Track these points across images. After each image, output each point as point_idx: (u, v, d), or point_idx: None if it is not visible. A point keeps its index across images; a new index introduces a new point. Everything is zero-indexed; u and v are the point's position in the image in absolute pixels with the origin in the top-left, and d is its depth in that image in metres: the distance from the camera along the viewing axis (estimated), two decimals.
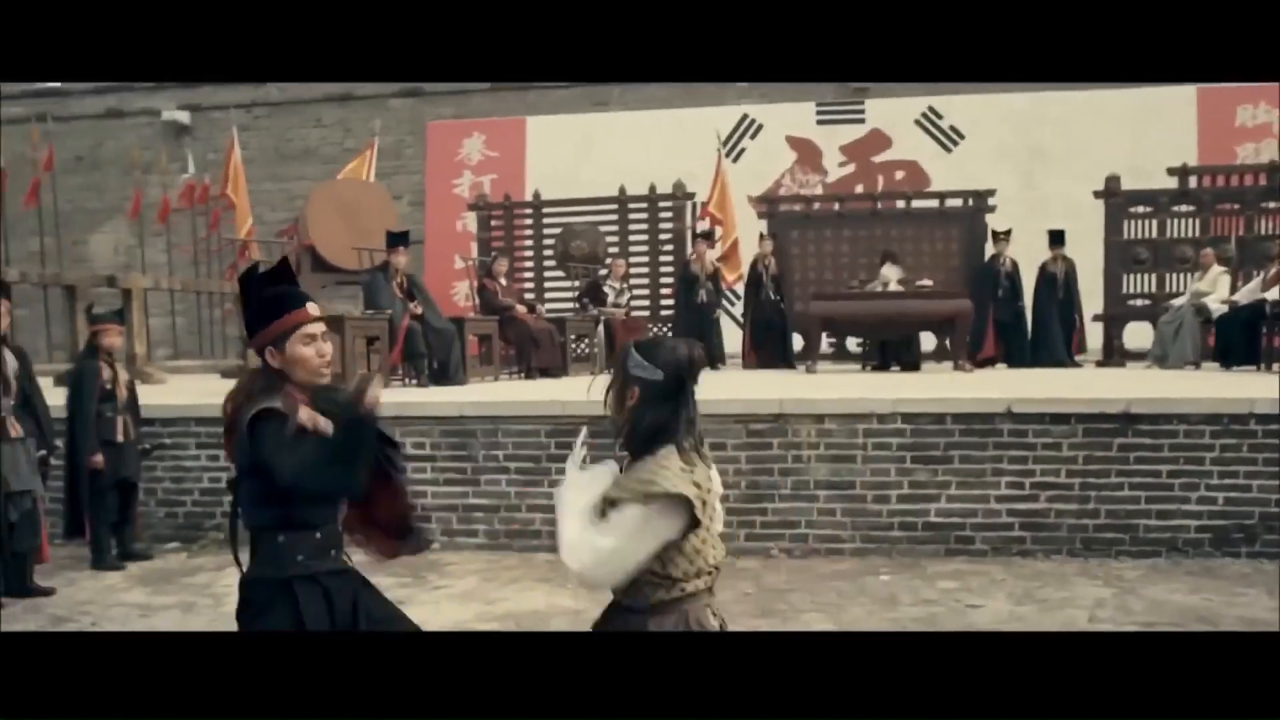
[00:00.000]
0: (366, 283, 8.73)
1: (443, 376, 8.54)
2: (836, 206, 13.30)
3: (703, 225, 13.73)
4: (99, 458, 5.80)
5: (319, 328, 2.46)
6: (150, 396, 7.23)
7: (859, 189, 15.86)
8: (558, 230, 12.95)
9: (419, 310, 8.55)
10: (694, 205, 13.74)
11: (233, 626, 2.52)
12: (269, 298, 2.47)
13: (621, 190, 13.04)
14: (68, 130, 16.63)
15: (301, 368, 2.44)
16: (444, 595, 5.41)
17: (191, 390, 8.57)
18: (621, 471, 2.19)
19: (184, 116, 17.47)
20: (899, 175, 16.42)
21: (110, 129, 17.81)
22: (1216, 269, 10.83)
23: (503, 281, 10.12)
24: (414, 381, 8.55)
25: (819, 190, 16.17)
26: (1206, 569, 5.58)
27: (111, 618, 5.05)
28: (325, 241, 10.55)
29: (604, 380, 2.26)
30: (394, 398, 7.30)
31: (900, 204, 13.26)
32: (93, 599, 5.39)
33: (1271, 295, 9.70)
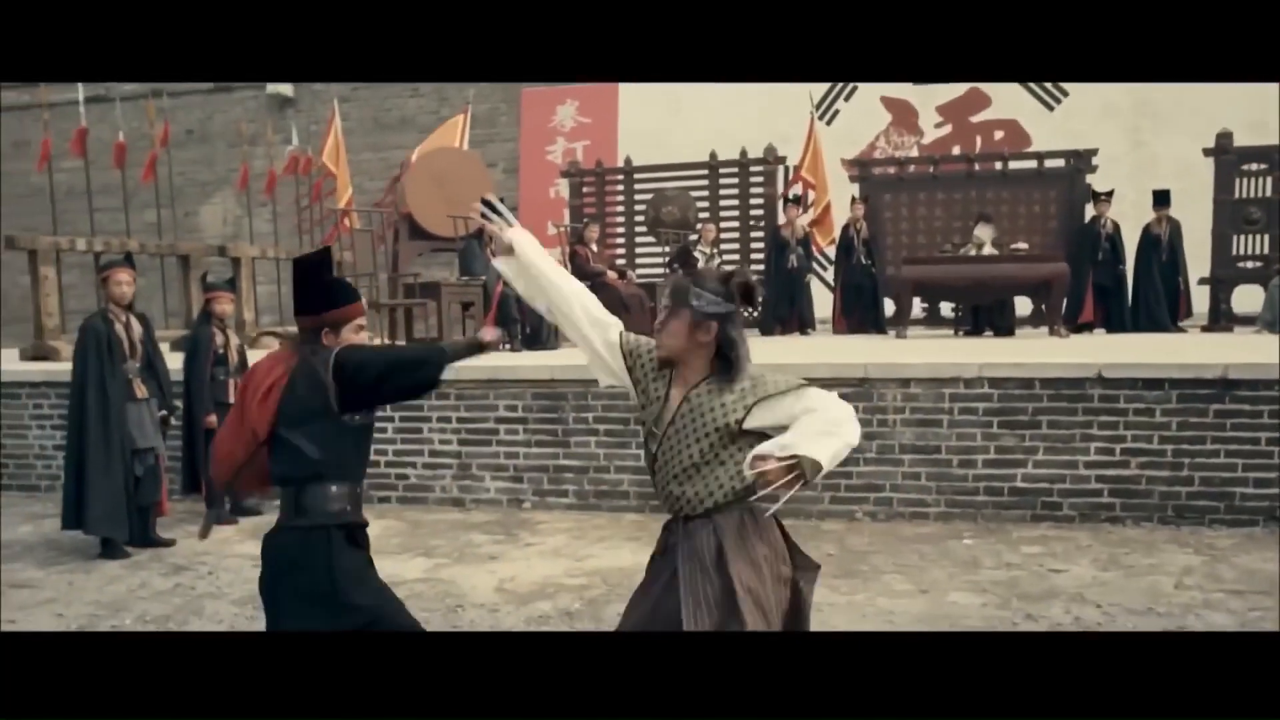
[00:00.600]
0: (461, 250, 8.96)
1: (535, 341, 8.75)
2: (931, 169, 13.07)
3: (795, 190, 13.68)
4: (213, 418, 6.15)
5: (364, 320, 2.82)
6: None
7: (956, 150, 15.51)
8: (649, 196, 13.01)
9: None
10: (786, 169, 13.67)
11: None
12: (334, 285, 2.80)
13: (712, 155, 13.04)
14: (179, 105, 17.30)
15: None
16: (534, 552, 5.62)
17: None
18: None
19: (287, 89, 18.01)
20: (998, 135, 16.02)
21: (218, 103, 18.47)
22: None
23: (594, 248, 10.26)
24: (507, 346, 8.77)
25: (914, 152, 15.88)
26: None
27: (227, 567, 5.40)
28: (422, 210, 10.82)
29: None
30: (487, 361, 7.53)
31: (997, 165, 12.96)
32: (209, 550, 5.74)
33: None
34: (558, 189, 15.80)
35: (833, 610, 4.32)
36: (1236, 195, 11.57)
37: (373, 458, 6.96)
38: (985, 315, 10.82)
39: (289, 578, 2.61)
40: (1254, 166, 11.57)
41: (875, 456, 6.09)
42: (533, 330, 8.77)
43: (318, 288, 2.75)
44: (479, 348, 2.82)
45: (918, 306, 12.07)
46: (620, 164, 13.98)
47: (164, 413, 5.93)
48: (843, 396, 6.30)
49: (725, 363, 2.41)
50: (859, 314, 11.95)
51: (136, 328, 5.79)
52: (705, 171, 12.99)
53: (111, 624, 4.41)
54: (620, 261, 12.46)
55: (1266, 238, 11.54)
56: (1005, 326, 10.66)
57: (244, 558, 5.58)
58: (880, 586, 4.67)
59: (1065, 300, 10.66)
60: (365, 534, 2.75)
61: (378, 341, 8.50)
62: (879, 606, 4.38)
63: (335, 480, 2.63)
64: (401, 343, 8.41)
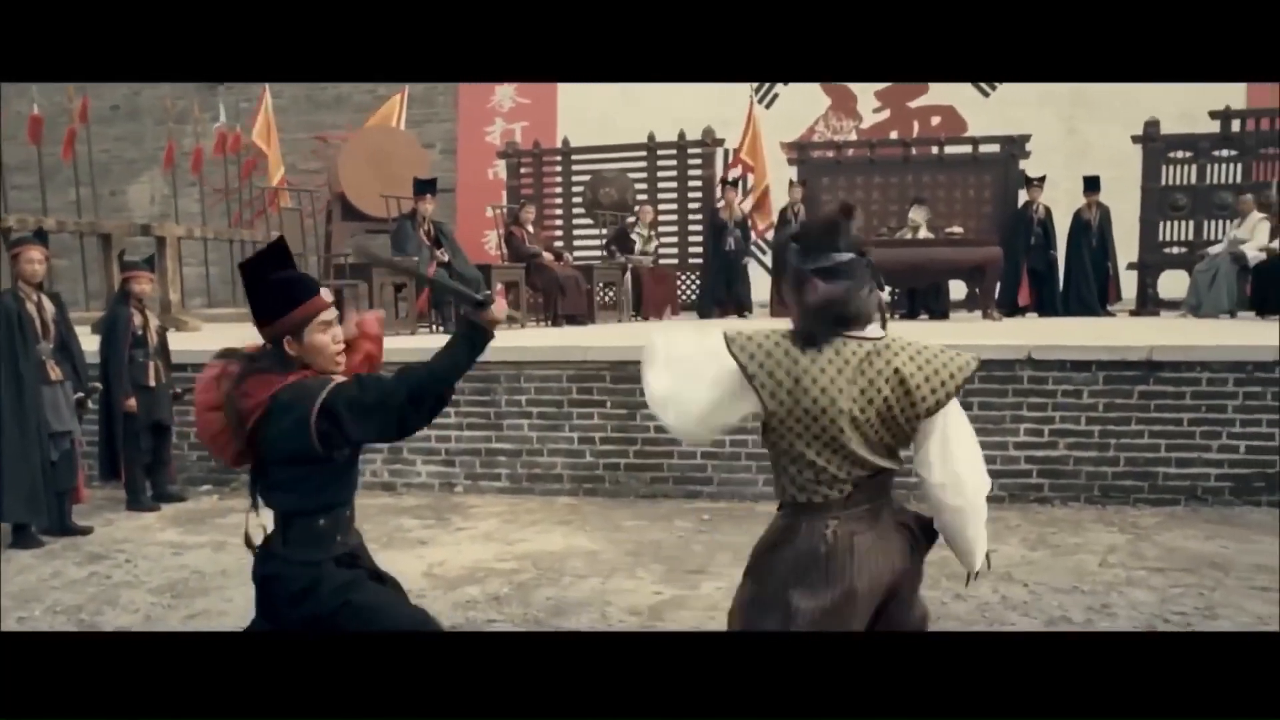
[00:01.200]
0: (393, 230, 8.80)
1: None
2: (868, 153, 13.14)
3: (735, 173, 13.67)
4: (132, 401, 5.96)
5: (333, 314, 2.46)
6: (185, 343, 7.40)
7: (894, 135, 15.59)
8: (587, 177, 12.92)
9: (446, 257, 8.62)
10: (726, 152, 13.66)
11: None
12: (281, 284, 2.44)
13: (650, 137, 12.97)
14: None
15: (320, 355, 2.44)
16: (465, 536, 5.53)
17: (225, 337, 8.69)
18: None
19: None
20: (935, 120, 16.14)
21: None
22: (1256, 216, 10.60)
23: (530, 229, 10.15)
24: (441, 328, 8.64)
25: (853, 136, 15.94)
26: (1225, 517, 5.57)
27: (146, 555, 5.23)
28: (356, 190, 10.62)
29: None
30: (419, 344, 7.40)
31: (933, 150, 13.07)
32: (128, 538, 5.57)
33: None
34: (496, 170, 15.61)
35: None
36: (1163, 183, 11.80)
37: None
38: (920, 298, 10.92)
39: (288, 610, 2.44)
40: (1180, 155, 11.80)
41: None
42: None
43: (268, 288, 2.43)
44: (484, 333, 2.45)
45: None
46: (559, 145, 13.87)
47: (80, 395, 5.73)
48: None
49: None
50: None
51: (49, 307, 5.57)
52: (643, 153, 12.93)
53: (19, 616, 4.24)
54: (558, 244, 12.36)
55: (1191, 224, 11.78)
56: (940, 309, 10.77)
57: (164, 545, 5.42)
58: None
59: (999, 284, 10.81)
60: (361, 551, 2.59)
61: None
62: None
63: (322, 513, 2.44)
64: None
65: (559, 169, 13.47)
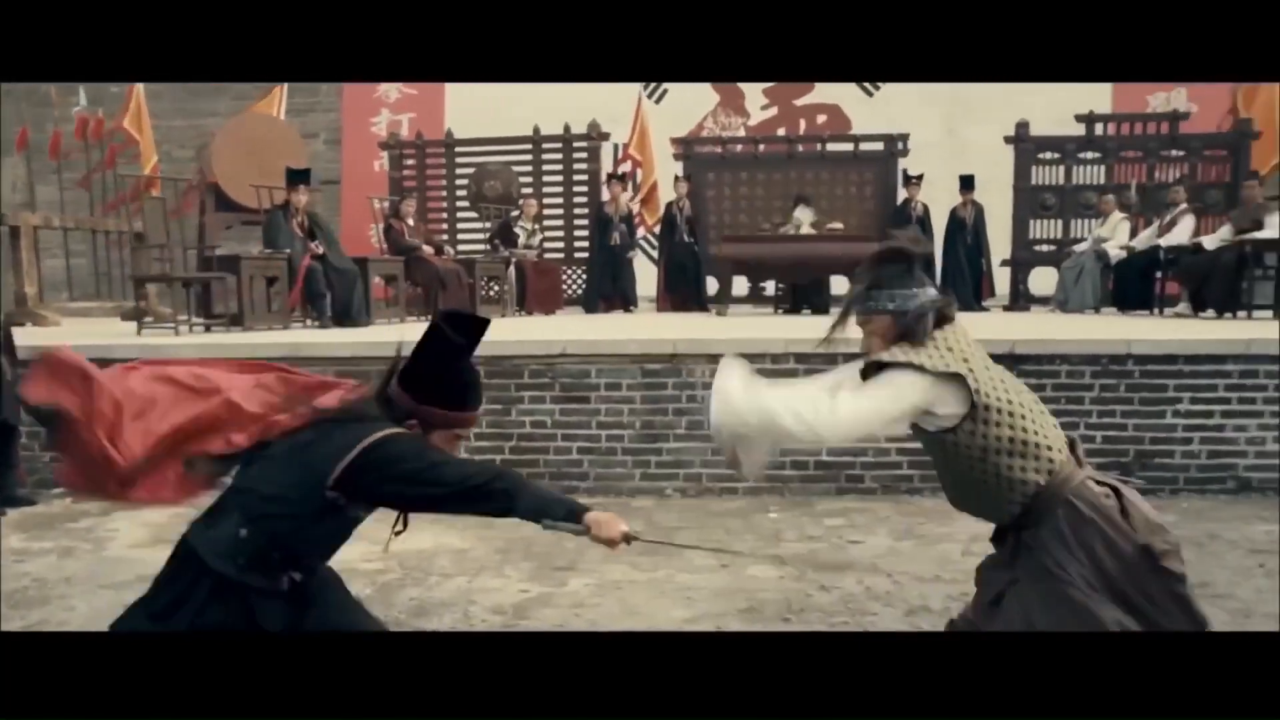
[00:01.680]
0: (264, 222, 8.51)
1: (345, 318, 8.41)
2: (759, 148, 13.27)
3: (624, 167, 13.64)
4: None
5: (469, 431, 2.33)
6: (42, 339, 7.02)
7: (781, 131, 15.81)
8: (471, 170, 12.74)
9: (320, 250, 8.38)
10: (616, 147, 13.64)
11: (114, 570, 2.42)
12: (464, 379, 2.25)
13: (535, 130, 12.86)
14: None
15: None
16: None
17: (85, 333, 8.32)
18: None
19: None
20: (821, 119, 16.39)
21: None
22: (1117, 215, 11.07)
23: (410, 222, 9.95)
24: (315, 323, 8.39)
25: (741, 133, 16.09)
26: None
27: None
28: (230, 179, 10.25)
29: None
30: (288, 338, 7.18)
31: (817, 147, 13.27)
32: None
33: (1165, 242, 9.95)
34: (382, 162, 15.27)
35: (633, 587, 4.27)
36: (1033, 182, 12.21)
37: None
38: (803, 294, 11.07)
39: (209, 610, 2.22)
40: (1048, 156, 12.23)
41: (684, 433, 6.09)
42: (343, 307, 8.41)
43: (454, 371, 2.22)
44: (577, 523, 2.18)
45: (742, 285, 12.27)
46: (453, 136, 13.60)
47: None
48: (653, 372, 6.29)
49: None
50: (682, 291, 12.04)
51: None
52: (529, 146, 12.80)
53: None
54: (443, 237, 12.17)
55: (1060, 223, 12.24)
56: (822, 305, 10.92)
57: (6, 552, 5.10)
58: (683, 562, 4.64)
59: None
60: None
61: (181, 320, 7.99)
62: (678, 583, 4.35)
63: (282, 549, 2.19)
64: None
65: (443, 161, 13.24)
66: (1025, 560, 2.26)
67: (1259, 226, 8.92)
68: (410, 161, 13.25)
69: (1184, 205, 10.28)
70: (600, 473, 6.21)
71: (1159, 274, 9.98)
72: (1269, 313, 8.77)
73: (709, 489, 6.11)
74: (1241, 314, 8.85)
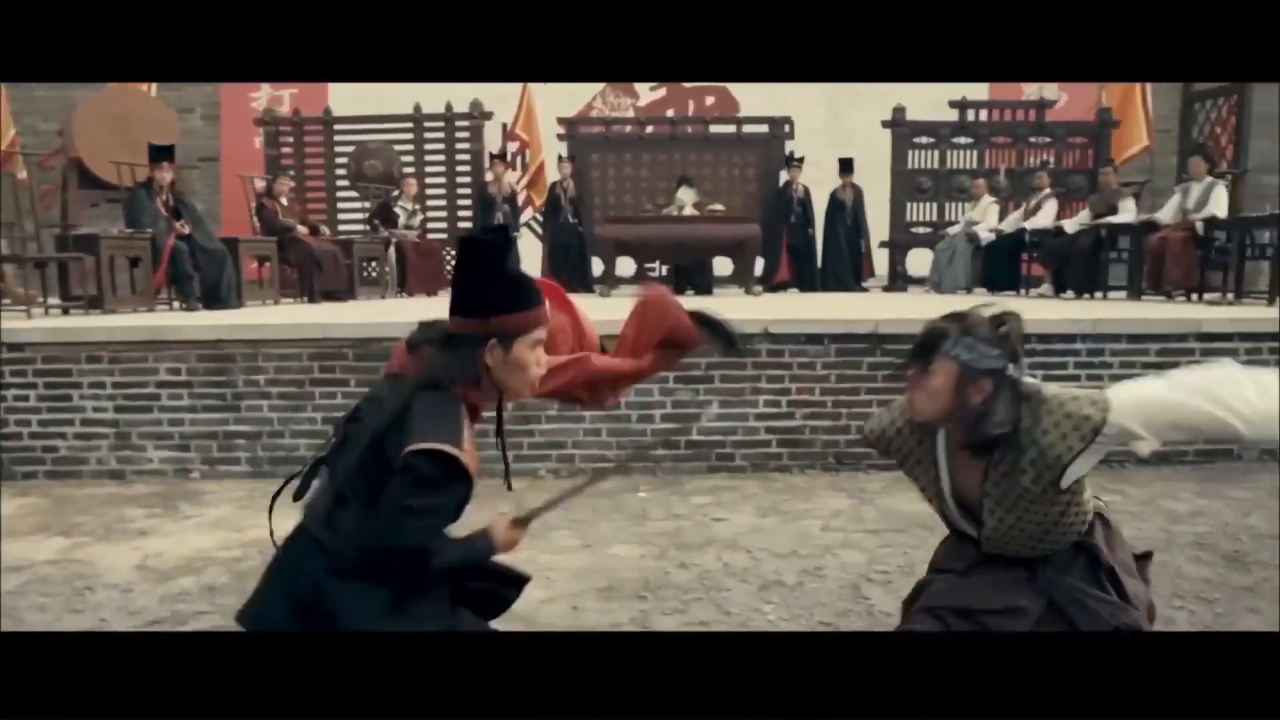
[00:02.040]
0: (125, 200, 8.19)
1: (214, 300, 8.16)
2: (647, 129, 13.29)
3: (511, 147, 13.52)
4: None
5: (544, 335, 2.10)
6: None
7: (670, 113, 15.88)
8: (351, 149, 12.46)
9: (185, 229, 8.10)
10: (504, 126, 13.49)
11: None
12: (512, 280, 2.05)
13: (417, 109, 12.64)
14: None
15: (520, 374, 2.08)
16: (192, 525, 5.21)
17: None
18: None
19: None
20: (709, 101, 16.52)
21: None
22: (987, 199, 11.43)
23: (284, 201, 9.69)
24: (181, 305, 8.13)
25: (630, 114, 16.12)
26: None
27: None
28: (94, 155, 9.81)
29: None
30: (146, 321, 6.94)
31: (701, 129, 13.36)
32: None
33: (1030, 225, 10.32)
34: (262, 139, 14.84)
35: None
36: (910, 166, 12.52)
37: (15, 429, 6.29)
38: (685, 274, 11.17)
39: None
40: (924, 140, 12.55)
41: (556, 414, 6.09)
42: (211, 288, 8.16)
43: (493, 280, 2.01)
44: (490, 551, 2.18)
45: (629, 265, 12.30)
46: (331, 113, 13.24)
47: None
48: None
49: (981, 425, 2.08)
50: (567, 272, 11.99)
51: None
52: (410, 125, 12.58)
53: None
54: (321, 217, 11.89)
55: (935, 206, 12.59)
56: (704, 285, 11.05)
57: None
58: (546, 543, 4.65)
59: (759, 260, 11.18)
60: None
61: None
62: (540, 563, 4.34)
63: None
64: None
65: (321, 139, 12.92)
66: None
67: (1114, 211, 9.33)
68: (287, 139, 12.88)
69: (1048, 190, 10.69)
70: None
71: (1025, 256, 10.36)
72: (1123, 293, 9.20)
73: (582, 469, 6.14)
74: (1099, 294, 9.26)
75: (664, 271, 11.84)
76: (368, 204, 11.64)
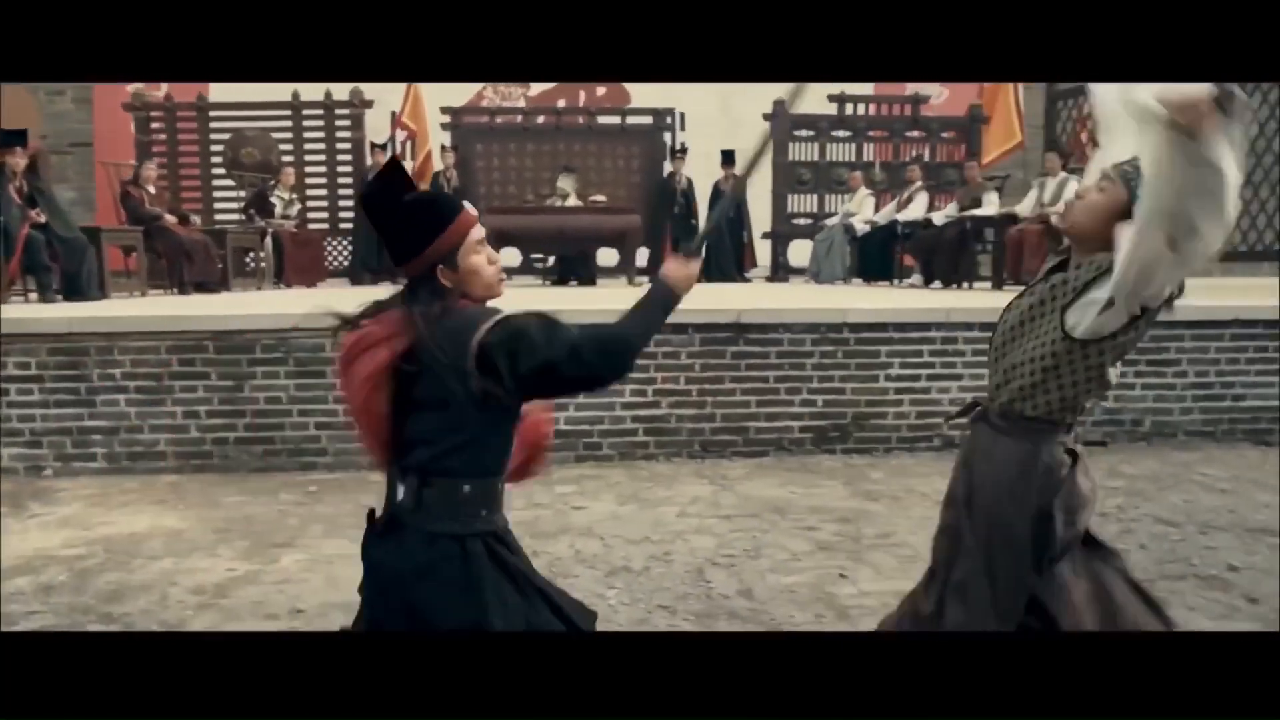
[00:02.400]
0: None
1: (74, 291, 7.89)
2: (535, 119, 13.27)
3: (400, 135, 13.33)
4: None
5: (482, 231, 2.07)
6: None
7: (561, 103, 15.86)
8: (228, 136, 12.16)
9: (42, 218, 7.81)
10: (392, 114, 13.30)
11: None
12: (419, 207, 2.03)
13: (295, 96, 12.38)
14: None
15: (478, 280, 2.06)
16: (37, 524, 5.06)
17: None
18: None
19: None
20: (601, 92, 16.55)
21: None
22: (863, 191, 11.73)
23: (150, 189, 9.41)
24: (36, 295, 7.84)
25: (522, 103, 16.05)
26: (804, 465, 6.12)
27: None
28: None
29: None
30: (6, 313, 6.69)
31: (585, 120, 13.40)
32: None
33: (902, 217, 10.63)
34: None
35: (345, 561, 4.23)
36: (790, 159, 12.77)
37: None
38: (569, 265, 11.21)
39: (416, 588, 1.97)
40: (804, 133, 12.80)
41: None
42: (71, 279, 7.89)
43: (403, 216, 2.01)
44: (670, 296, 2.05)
45: (516, 256, 12.30)
46: (206, 99, 12.87)
47: None
48: None
49: None
50: None
51: None
52: (288, 112, 12.32)
53: None
54: (195, 206, 11.57)
55: (815, 198, 12.86)
56: (587, 275, 11.10)
57: None
58: None
59: (644, 250, 11.28)
60: (510, 539, 2.11)
61: None
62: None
63: (468, 476, 1.99)
64: None
65: (196, 126, 12.57)
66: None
67: (979, 205, 9.67)
68: (159, 124, 12.49)
69: (919, 183, 11.02)
70: (340, 448, 6.12)
71: (897, 247, 10.67)
72: (989, 284, 9.55)
73: None
74: (965, 285, 9.60)
75: (550, 262, 11.85)
76: (243, 193, 11.37)
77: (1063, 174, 8.79)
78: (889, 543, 4.50)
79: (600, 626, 3.15)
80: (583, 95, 16.48)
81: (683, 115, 16.07)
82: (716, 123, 15.11)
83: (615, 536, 4.59)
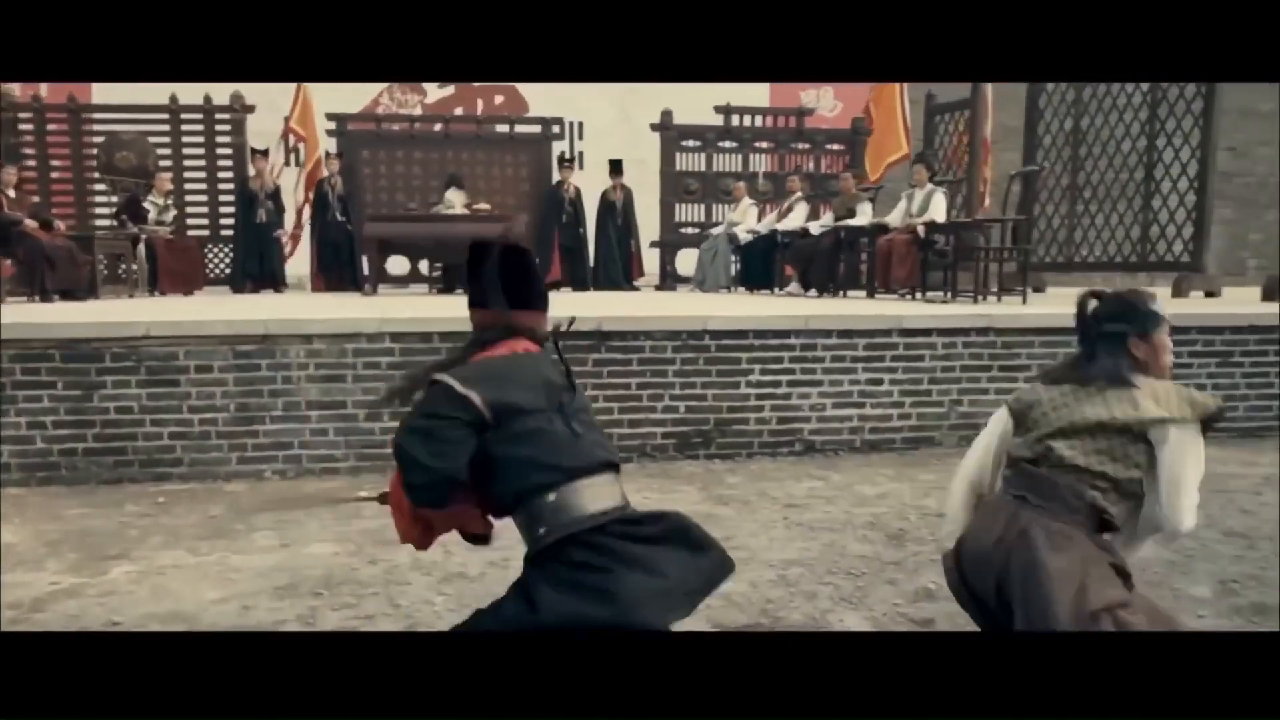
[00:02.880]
0: None
1: None
2: (428, 127, 13.18)
3: (290, 142, 13.14)
4: None
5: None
6: None
7: (459, 111, 15.82)
8: (102, 139, 11.82)
9: None
10: (286, 120, 13.10)
11: None
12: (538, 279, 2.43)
13: (173, 99, 12.10)
14: None
15: None
16: None
17: None
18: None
19: None
20: (499, 100, 16.56)
21: None
22: (746, 201, 11.93)
23: (11, 193, 9.11)
24: None
25: (418, 111, 15.98)
26: (665, 471, 6.19)
27: None
28: None
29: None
30: None
31: (473, 128, 13.39)
32: None
33: (782, 227, 10.85)
34: None
35: (177, 573, 4.19)
36: (678, 168, 12.92)
37: None
38: (454, 274, 11.14)
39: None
40: (691, 143, 12.97)
41: (282, 414, 6.01)
42: None
43: (518, 275, 2.38)
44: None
45: (404, 265, 12.20)
46: (94, 100, 12.46)
47: None
48: (245, 353, 6.14)
49: None
50: (337, 271, 11.79)
51: None
52: (166, 116, 12.04)
53: None
54: (67, 211, 11.23)
55: (702, 207, 13.03)
56: None
57: None
58: (244, 544, 4.60)
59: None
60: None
61: None
62: (229, 564, 4.31)
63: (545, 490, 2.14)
64: None
65: (68, 128, 12.19)
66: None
67: (853, 215, 9.92)
68: (26, 126, 12.08)
69: (799, 193, 11.25)
70: (195, 457, 6.01)
71: (778, 256, 10.87)
72: (863, 292, 9.80)
73: (309, 470, 6.08)
74: (840, 293, 9.82)
75: (437, 271, 11.78)
76: (116, 198, 11.07)
77: (929, 185, 9.07)
78: (729, 545, 4.57)
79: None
80: (480, 103, 16.47)
81: (581, 124, 16.24)
82: (616, 131, 15.26)
83: (459, 544, 4.56)
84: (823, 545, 4.59)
